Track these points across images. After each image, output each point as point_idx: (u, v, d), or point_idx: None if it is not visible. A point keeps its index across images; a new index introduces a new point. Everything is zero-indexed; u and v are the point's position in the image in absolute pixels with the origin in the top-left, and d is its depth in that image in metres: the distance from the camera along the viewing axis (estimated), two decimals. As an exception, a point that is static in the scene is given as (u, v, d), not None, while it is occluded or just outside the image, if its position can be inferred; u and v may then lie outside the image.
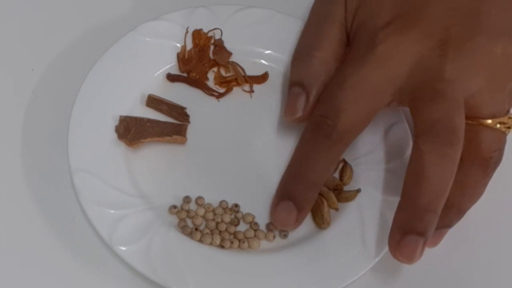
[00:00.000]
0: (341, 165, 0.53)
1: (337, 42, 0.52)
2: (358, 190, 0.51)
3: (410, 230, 0.46)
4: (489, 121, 0.47)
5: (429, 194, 0.46)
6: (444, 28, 0.48)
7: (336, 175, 0.53)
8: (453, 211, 0.48)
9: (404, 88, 0.48)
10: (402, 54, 0.48)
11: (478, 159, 0.47)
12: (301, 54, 0.53)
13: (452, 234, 0.51)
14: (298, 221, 0.49)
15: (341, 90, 0.48)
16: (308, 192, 0.49)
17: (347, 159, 0.53)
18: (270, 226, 0.50)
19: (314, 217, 0.51)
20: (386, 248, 0.49)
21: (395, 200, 0.50)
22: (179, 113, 0.54)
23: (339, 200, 0.51)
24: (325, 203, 0.51)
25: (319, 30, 0.52)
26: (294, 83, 0.52)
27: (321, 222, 0.50)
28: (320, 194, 0.51)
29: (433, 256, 0.52)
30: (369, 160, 0.53)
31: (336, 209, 0.51)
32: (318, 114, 0.49)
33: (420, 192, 0.46)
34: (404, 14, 0.49)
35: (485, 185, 0.49)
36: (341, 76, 0.49)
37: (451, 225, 0.49)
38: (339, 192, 0.52)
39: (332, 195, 0.51)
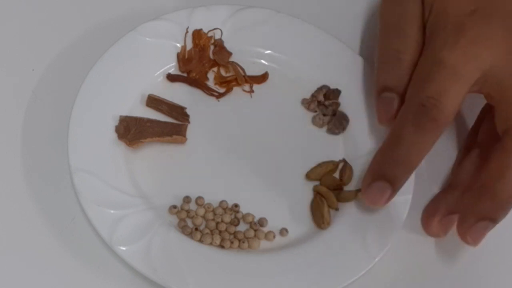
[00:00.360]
0: (341, 165, 0.53)
1: (420, 42, 0.52)
2: (358, 190, 0.51)
3: (485, 217, 0.47)
4: None
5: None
6: None
7: (336, 175, 0.53)
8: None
9: (490, 76, 0.49)
10: (491, 42, 0.49)
11: None
12: (388, 58, 0.52)
13: (452, 234, 0.51)
14: (389, 200, 0.49)
15: (444, 69, 0.48)
16: (408, 175, 0.49)
17: (347, 159, 0.53)
18: (283, 232, 0.50)
19: (314, 217, 0.51)
20: (386, 248, 0.49)
21: (395, 200, 0.51)
22: (179, 113, 0.54)
23: (339, 200, 0.51)
24: (325, 203, 0.51)
25: (402, 31, 0.52)
26: (384, 88, 0.51)
27: (321, 222, 0.50)
28: (320, 194, 0.51)
29: (433, 256, 0.52)
30: (369, 161, 0.53)
31: (336, 209, 0.51)
32: (423, 95, 0.49)
33: (508, 185, 0.47)
34: (487, 3, 0.49)
35: None
36: (437, 57, 0.49)
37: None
38: (339, 192, 0.52)
39: (332, 195, 0.51)
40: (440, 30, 0.50)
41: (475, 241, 0.48)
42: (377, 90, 0.52)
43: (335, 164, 0.53)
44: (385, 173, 0.48)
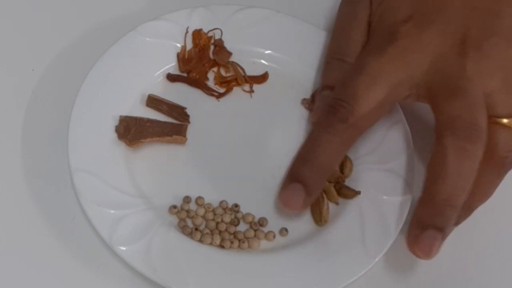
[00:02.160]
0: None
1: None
2: (358, 192, 0.51)
3: (429, 225, 0.46)
4: (505, 120, 0.47)
5: (449, 189, 0.46)
6: (463, 27, 0.48)
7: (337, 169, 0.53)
8: (462, 208, 0.48)
9: (422, 84, 0.48)
10: (422, 50, 0.48)
11: (494, 158, 0.48)
12: (332, 58, 0.53)
13: (452, 234, 0.51)
14: (305, 205, 0.48)
15: (361, 75, 0.48)
16: (318, 176, 0.48)
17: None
18: (283, 231, 0.50)
19: (313, 213, 0.51)
20: (386, 248, 0.49)
21: (395, 200, 0.51)
22: (179, 113, 0.54)
23: (339, 195, 0.51)
24: (325, 200, 0.51)
25: (347, 34, 0.53)
26: (325, 87, 0.52)
27: (318, 220, 0.50)
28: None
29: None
30: (369, 160, 0.53)
31: (337, 203, 0.51)
32: (336, 97, 0.49)
33: (441, 188, 0.46)
34: (425, 10, 0.49)
35: (497, 184, 0.49)
36: (361, 63, 0.49)
37: (458, 223, 0.49)
38: (340, 186, 0.52)
39: (333, 189, 0.51)
40: (376, 36, 0.51)
41: (425, 254, 0.46)
42: (320, 87, 0.53)
43: None
44: (298, 174, 0.48)
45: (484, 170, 0.47)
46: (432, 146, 0.47)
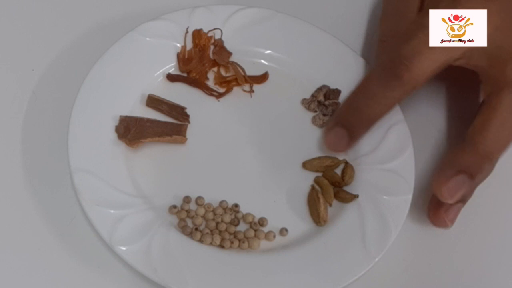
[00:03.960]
0: (342, 165, 0.53)
1: None
2: (356, 196, 0.51)
3: (464, 170, 0.47)
4: None
5: (495, 142, 0.47)
6: None
7: (338, 173, 0.53)
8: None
9: (479, 49, 0.49)
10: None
11: None
12: (386, 37, 0.54)
13: (452, 234, 0.52)
14: (349, 147, 0.51)
15: (421, 33, 0.49)
16: (365, 126, 0.50)
17: (347, 159, 0.53)
18: (283, 231, 0.50)
19: (311, 213, 0.51)
20: (386, 248, 0.49)
21: (395, 200, 0.51)
22: (179, 113, 0.54)
23: (336, 198, 0.51)
24: (321, 200, 0.51)
25: (400, 11, 0.54)
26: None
27: (317, 220, 0.50)
28: (320, 186, 0.52)
29: (433, 256, 0.52)
30: (369, 160, 0.53)
31: (330, 205, 0.51)
32: (395, 51, 0.49)
33: (488, 138, 0.47)
34: None
35: None
36: (421, 22, 0.49)
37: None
38: (338, 190, 0.52)
39: (331, 190, 0.51)
40: (436, 1, 0.51)
41: (449, 196, 0.47)
42: (376, 64, 0.53)
43: (333, 161, 0.53)
44: (344, 120, 0.51)
45: None
46: (481, 105, 0.49)
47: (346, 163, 0.53)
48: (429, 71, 0.49)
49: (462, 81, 0.58)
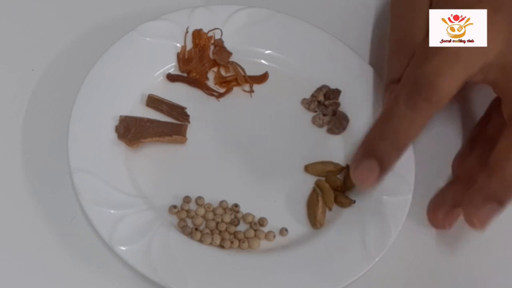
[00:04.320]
0: (345, 171, 0.53)
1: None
2: (353, 201, 0.51)
3: (493, 198, 0.46)
4: None
5: None
6: None
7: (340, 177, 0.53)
8: None
9: (494, 64, 0.48)
10: (497, 30, 0.48)
11: None
12: (398, 48, 0.53)
13: (452, 234, 0.51)
14: (379, 181, 0.48)
15: (441, 53, 0.48)
16: (397, 153, 0.48)
17: (347, 159, 0.53)
18: (283, 231, 0.50)
19: (308, 215, 0.51)
20: (386, 248, 0.49)
21: (395, 200, 0.51)
22: (179, 113, 0.54)
23: (336, 202, 0.51)
24: (320, 203, 0.51)
25: (411, 19, 0.53)
26: (393, 80, 0.52)
27: (314, 223, 0.50)
28: (321, 189, 0.52)
29: (433, 256, 0.52)
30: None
31: (330, 209, 0.51)
32: (419, 74, 0.48)
33: None
34: None
35: None
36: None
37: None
38: (337, 194, 0.52)
39: (331, 194, 0.51)
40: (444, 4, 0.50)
41: (481, 224, 0.46)
42: (387, 81, 0.52)
43: (336, 167, 0.53)
44: (374, 150, 0.48)
45: None
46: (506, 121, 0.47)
47: (349, 168, 0.53)
48: (454, 90, 0.48)
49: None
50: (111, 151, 0.51)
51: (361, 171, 0.48)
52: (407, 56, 0.51)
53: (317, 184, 0.52)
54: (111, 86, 0.53)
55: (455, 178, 0.53)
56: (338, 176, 0.53)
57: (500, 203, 0.46)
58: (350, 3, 0.62)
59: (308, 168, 0.53)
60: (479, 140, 0.53)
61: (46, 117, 0.54)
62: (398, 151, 0.48)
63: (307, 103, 0.56)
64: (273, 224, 0.51)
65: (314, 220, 0.50)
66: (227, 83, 0.56)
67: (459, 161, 0.54)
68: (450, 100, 0.48)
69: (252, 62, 0.57)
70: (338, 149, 0.54)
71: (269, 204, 0.51)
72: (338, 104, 0.56)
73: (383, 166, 0.47)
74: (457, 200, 0.50)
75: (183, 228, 0.49)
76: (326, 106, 0.55)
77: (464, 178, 0.52)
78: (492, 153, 0.47)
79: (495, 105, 0.54)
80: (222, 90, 0.56)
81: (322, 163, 0.53)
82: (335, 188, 0.52)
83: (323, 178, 0.53)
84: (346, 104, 0.56)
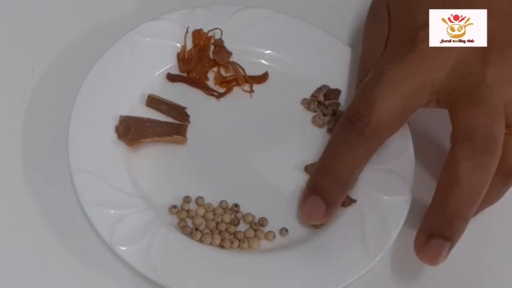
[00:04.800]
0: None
1: None
2: (354, 200, 0.51)
3: (437, 233, 0.45)
4: None
5: (460, 201, 0.45)
6: (488, 29, 0.47)
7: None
8: None
9: (442, 89, 0.47)
10: (443, 55, 0.47)
11: (503, 169, 0.47)
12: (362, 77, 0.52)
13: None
14: (327, 217, 0.48)
15: (378, 84, 0.48)
16: (339, 189, 0.48)
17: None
18: (283, 231, 0.50)
19: None
20: (386, 248, 0.49)
21: (395, 200, 0.51)
22: (179, 113, 0.54)
23: None
24: None
25: (371, 55, 0.53)
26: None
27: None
28: None
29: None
30: (369, 160, 0.53)
31: None
32: (352, 109, 0.49)
33: (452, 198, 0.45)
34: None
35: (504, 192, 0.49)
36: (379, 71, 0.49)
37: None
38: None
39: None
40: (394, 44, 0.50)
41: (431, 261, 0.46)
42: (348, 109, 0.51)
43: None
44: (317, 187, 0.48)
45: (493, 179, 0.46)
46: (446, 154, 0.46)
47: None
48: (390, 121, 0.47)
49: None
50: (111, 151, 0.51)
51: (307, 208, 0.48)
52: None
53: None
54: (111, 86, 0.53)
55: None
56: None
57: (445, 238, 0.45)
58: (350, 3, 0.62)
59: (308, 169, 0.53)
60: None
61: (46, 117, 0.54)
62: (340, 187, 0.48)
63: (307, 103, 0.56)
64: (273, 224, 0.51)
65: None
66: (227, 83, 0.56)
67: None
68: (394, 130, 0.48)
69: (252, 62, 0.57)
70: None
71: (269, 204, 0.51)
72: (338, 104, 0.56)
73: (328, 202, 0.48)
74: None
75: (183, 228, 0.49)
76: (326, 106, 0.55)
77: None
78: (437, 184, 0.47)
79: None
80: (222, 90, 0.56)
81: None
82: None
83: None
84: (346, 104, 0.56)
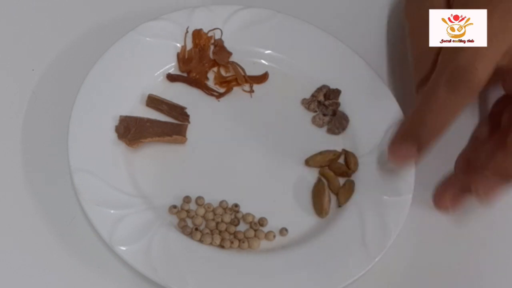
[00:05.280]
0: (342, 156, 0.53)
1: None
2: (342, 152, 0.52)
3: (506, 174, 0.48)
4: None
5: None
6: None
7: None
8: None
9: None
10: None
11: None
12: (422, 50, 0.52)
13: (452, 234, 0.51)
14: (415, 162, 0.50)
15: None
16: (433, 137, 0.49)
17: (345, 148, 0.54)
18: (283, 231, 0.50)
19: (314, 204, 0.51)
20: (386, 248, 0.49)
21: (395, 200, 0.51)
22: (179, 113, 0.54)
23: (339, 201, 0.51)
24: (326, 192, 0.51)
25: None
26: (422, 80, 0.52)
27: (320, 212, 0.51)
28: (326, 178, 0.52)
29: (433, 256, 0.52)
30: (369, 160, 0.53)
31: (337, 194, 0.52)
32: (457, 59, 0.48)
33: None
34: None
35: None
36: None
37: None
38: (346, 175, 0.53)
39: (337, 180, 0.52)
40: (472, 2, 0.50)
41: (486, 195, 0.48)
42: (416, 84, 0.52)
43: (335, 154, 0.53)
44: (413, 134, 0.49)
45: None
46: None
47: (346, 152, 0.53)
48: (490, 72, 0.48)
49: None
50: (111, 151, 0.51)
51: (399, 153, 0.50)
52: (431, 55, 0.51)
53: (322, 173, 0.52)
54: (111, 86, 0.53)
55: (467, 166, 0.53)
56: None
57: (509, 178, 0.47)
58: (350, 3, 0.62)
59: (309, 162, 0.53)
60: (482, 137, 0.53)
61: (46, 117, 0.54)
62: (437, 136, 0.49)
63: (307, 103, 0.56)
64: (273, 224, 0.51)
65: (321, 208, 0.51)
66: (227, 83, 0.56)
67: (463, 160, 0.54)
68: (484, 86, 0.49)
69: (252, 62, 0.57)
70: (338, 149, 0.54)
71: (269, 204, 0.51)
72: (338, 104, 0.56)
73: (421, 149, 0.49)
74: (465, 187, 0.50)
75: (183, 228, 0.49)
76: (326, 106, 0.55)
77: (473, 167, 0.51)
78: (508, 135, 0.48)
79: (501, 104, 0.54)
80: (222, 90, 0.56)
81: (321, 153, 0.53)
82: (341, 174, 0.52)
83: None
84: (346, 104, 0.56)
